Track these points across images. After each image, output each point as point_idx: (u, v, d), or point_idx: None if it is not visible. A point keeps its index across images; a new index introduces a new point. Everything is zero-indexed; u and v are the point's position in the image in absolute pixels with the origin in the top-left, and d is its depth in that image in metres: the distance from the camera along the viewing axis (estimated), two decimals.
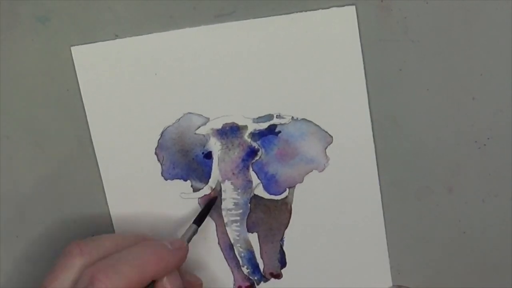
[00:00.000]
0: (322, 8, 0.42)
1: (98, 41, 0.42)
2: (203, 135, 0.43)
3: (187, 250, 0.39)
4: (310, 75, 0.43)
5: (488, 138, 0.44)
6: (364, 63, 0.43)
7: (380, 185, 0.44)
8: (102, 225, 0.44)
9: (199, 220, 0.42)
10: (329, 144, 0.43)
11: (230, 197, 0.44)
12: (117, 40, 0.42)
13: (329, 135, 0.43)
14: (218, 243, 0.45)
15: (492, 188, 0.44)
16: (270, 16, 0.42)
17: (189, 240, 0.40)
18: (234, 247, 0.45)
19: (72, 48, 0.42)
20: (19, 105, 0.43)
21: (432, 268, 0.44)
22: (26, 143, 0.43)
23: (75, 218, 0.44)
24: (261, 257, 0.45)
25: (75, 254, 0.36)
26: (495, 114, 0.44)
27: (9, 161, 0.43)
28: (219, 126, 0.43)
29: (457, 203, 0.45)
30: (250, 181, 0.44)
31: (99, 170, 0.43)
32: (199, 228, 0.42)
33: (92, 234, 0.44)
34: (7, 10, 0.42)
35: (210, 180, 0.44)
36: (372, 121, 0.43)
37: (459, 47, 0.43)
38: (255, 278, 0.45)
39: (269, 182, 0.44)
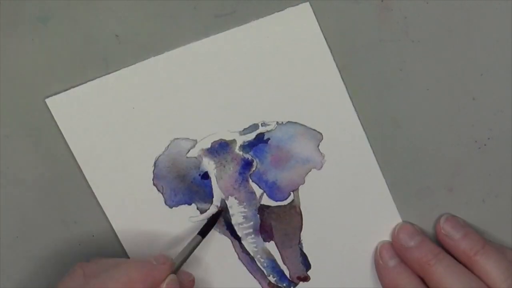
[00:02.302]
0: (277, 11, 0.42)
1: (97, 44, 0.42)
2: (195, 157, 0.44)
3: (172, 264, 0.40)
4: (284, 78, 0.43)
5: (488, 138, 0.44)
6: (364, 63, 0.43)
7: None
8: (102, 227, 0.44)
9: (204, 231, 0.42)
10: (320, 141, 0.43)
11: (237, 212, 0.44)
12: (89, 83, 0.42)
13: (318, 132, 0.43)
14: (239, 258, 0.45)
15: (492, 188, 0.44)
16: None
17: (192, 250, 0.41)
18: (255, 259, 0.45)
19: (47, 100, 0.42)
20: (19, 105, 0.43)
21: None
22: (26, 143, 0.43)
23: (75, 218, 0.44)
24: (284, 263, 0.45)
25: (78, 275, 0.38)
26: (495, 114, 0.44)
27: (9, 161, 0.43)
28: (208, 145, 0.44)
29: (457, 203, 0.45)
30: (253, 193, 0.44)
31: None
32: (219, 246, 0.43)
33: (92, 235, 0.44)
34: (7, 10, 0.42)
35: (214, 199, 0.44)
36: (372, 121, 0.44)
37: (459, 47, 0.43)
38: (284, 285, 0.45)
39: (272, 190, 0.44)
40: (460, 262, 0.42)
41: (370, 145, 0.43)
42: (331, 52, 0.43)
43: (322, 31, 0.42)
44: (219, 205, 0.44)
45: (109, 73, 0.42)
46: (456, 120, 0.44)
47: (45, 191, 0.44)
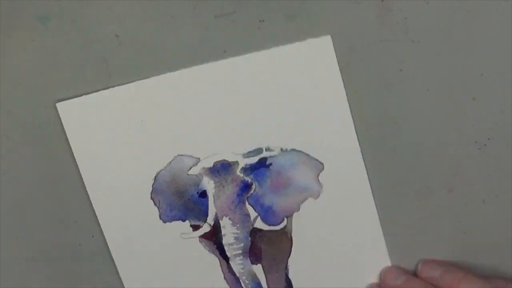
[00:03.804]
0: (299, 41, 0.42)
1: (97, 44, 0.42)
2: (196, 175, 0.44)
3: None
4: (294, 106, 0.43)
5: (489, 139, 0.44)
6: (364, 63, 0.43)
7: (379, 185, 0.44)
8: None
9: None
10: (320, 171, 0.44)
11: (230, 232, 0.44)
12: (101, 92, 0.43)
13: (320, 162, 0.44)
14: (224, 278, 0.45)
15: (492, 188, 0.44)
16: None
17: None
18: (241, 280, 0.45)
19: (57, 104, 0.43)
20: (18, 106, 0.43)
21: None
22: (26, 143, 0.43)
23: (75, 218, 0.44)
24: (268, 287, 0.45)
25: None
26: (495, 114, 0.44)
27: (9, 161, 0.43)
28: (211, 165, 0.44)
29: (457, 203, 0.45)
30: (248, 215, 0.44)
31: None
32: (207, 265, 0.44)
33: (92, 235, 0.44)
34: (7, 10, 0.42)
35: (208, 217, 0.44)
36: (372, 121, 0.44)
37: (459, 47, 0.43)
38: None
39: (267, 214, 0.44)
40: None
41: (370, 182, 0.44)
42: (344, 86, 0.43)
43: (339, 67, 0.42)
44: (212, 224, 0.44)
45: (111, 76, 0.43)
46: (456, 120, 0.44)
47: (45, 191, 0.44)
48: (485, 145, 0.44)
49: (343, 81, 0.43)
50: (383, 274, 0.44)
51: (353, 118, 0.43)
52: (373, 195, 0.44)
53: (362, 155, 0.44)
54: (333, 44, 0.43)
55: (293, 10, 0.42)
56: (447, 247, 0.45)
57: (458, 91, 0.43)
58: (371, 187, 0.44)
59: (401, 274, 0.44)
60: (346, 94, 0.43)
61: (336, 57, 0.43)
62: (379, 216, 0.44)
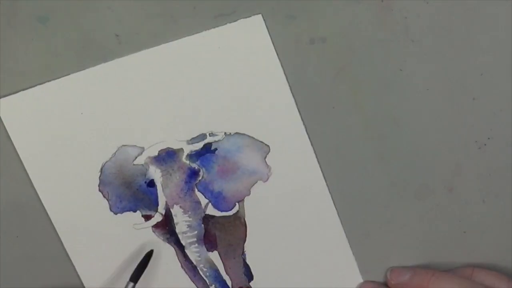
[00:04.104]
0: (230, 22, 0.42)
1: (97, 44, 0.42)
2: (142, 165, 0.44)
3: None
4: (234, 89, 0.43)
5: (488, 138, 0.44)
6: (364, 63, 0.43)
7: (379, 185, 0.44)
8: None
9: (135, 276, 0.42)
10: (267, 154, 0.44)
11: (182, 220, 0.44)
12: (38, 87, 0.42)
13: (265, 144, 0.44)
14: (182, 267, 0.45)
15: (492, 188, 0.44)
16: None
17: None
18: (198, 268, 0.45)
19: None
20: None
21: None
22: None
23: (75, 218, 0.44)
24: (227, 274, 0.45)
25: None
26: (495, 114, 0.44)
27: (9, 161, 0.43)
28: (155, 153, 0.44)
29: (457, 203, 0.45)
30: (198, 202, 0.44)
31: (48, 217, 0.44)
32: (163, 254, 0.44)
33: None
34: (7, 10, 0.42)
35: (159, 207, 0.44)
36: (371, 121, 0.44)
37: (459, 47, 0.43)
38: None
39: (217, 200, 0.44)
40: None
41: (317, 160, 0.44)
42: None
43: (273, 44, 0.42)
44: (163, 213, 0.44)
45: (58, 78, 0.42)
46: (456, 120, 0.44)
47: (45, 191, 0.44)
48: (485, 145, 0.44)
49: (343, 81, 0.43)
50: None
51: (353, 118, 0.43)
52: (371, 193, 0.44)
53: (362, 155, 0.44)
54: (333, 44, 0.43)
55: (293, 10, 0.42)
56: (447, 247, 0.45)
57: (458, 91, 0.43)
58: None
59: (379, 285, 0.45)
60: (346, 94, 0.43)
61: (336, 57, 0.43)
62: (378, 213, 0.44)
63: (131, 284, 0.42)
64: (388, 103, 0.43)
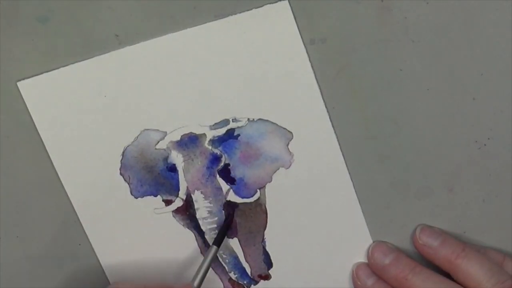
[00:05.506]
0: (256, 7, 0.42)
1: (97, 44, 0.42)
2: (164, 149, 0.43)
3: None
4: (258, 75, 0.43)
5: (488, 138, 0.44)
6: (364, 63, 0.43)
7: (379, 185, 0.44)
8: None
9: (219, 240, 0.42)
10: (290, 140, 0.43)
11: (203, 206, 0.44)
12: (62, 69, 0.42)
13: (288, 131, 0.43)
14: (201, 252, 0.45)
15: (492, 188, 0.44)
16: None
17: (211, 261, 0.42)
18: (217, 255, 0.45)
19: (18, 83, 0.42)
20: (19, 105, 0.43)
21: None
22: (26, 143, 0.43)
23: (75, 218, 0.44)
24: (246, 261, 0.45)
25: None
26: (495, 114, 0.44)
27: (9, 161, 0.43)
28: (178, 138, 0.43)
29: (457, 203, 0.45)
30: (220, 188, 0.44)
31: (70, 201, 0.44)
32: (183, 240, 0.43)
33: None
34: (7, 10, 0.42)
35: (180, 192, 0.44)
36: (372, 121, 0.44)
37: (459, 47, 0.43)
38: (244, 282, 0.45)
39: (239, 186, 0.44)
40: (442, 270, 0.42)
41: (340, 148, 0.43)
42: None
43: (299, 31, 0.42)
44: (184, 198, 0.44)
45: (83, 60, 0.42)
46: (456, 120, 0.44)
47: (46, 191, 0.44)
48: (485, 145, 0.44)
49: (343, 81, 0.43)
50: (371, 251, 0.44)
51: (353, 118, 0.43)
52: (371, 193, 0.44)
53: (362, 155, 0.44)
54: (333, 44, 0.43)
55: (293, 10, 0.42)
56: None
57: (458, 91, 0.43)
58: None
59: (390, 252, 0.43)
60: (346, 94, 0.43)
61: (336, 57, 0.43)
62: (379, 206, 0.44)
63: (215, 247, 0.42)
64: (388, 103, 0.43)
